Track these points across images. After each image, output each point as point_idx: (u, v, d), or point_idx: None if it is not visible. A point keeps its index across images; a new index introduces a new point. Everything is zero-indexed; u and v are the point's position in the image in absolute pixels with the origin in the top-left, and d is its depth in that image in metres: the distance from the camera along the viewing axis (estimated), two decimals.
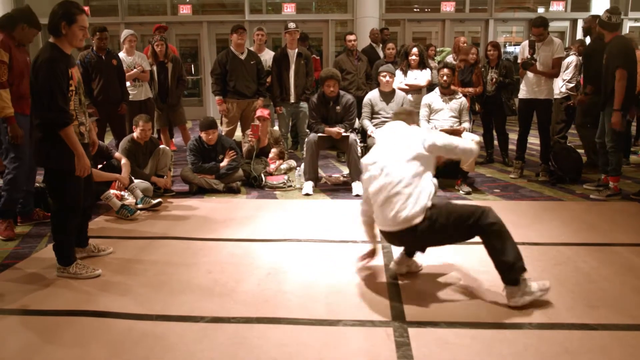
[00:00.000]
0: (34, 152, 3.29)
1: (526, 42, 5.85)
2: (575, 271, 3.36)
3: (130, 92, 6.30)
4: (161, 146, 5.53)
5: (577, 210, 4.76)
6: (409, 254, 3.34)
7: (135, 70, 6.37)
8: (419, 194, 2.87)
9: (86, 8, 11.64)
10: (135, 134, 5.23)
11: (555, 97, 6.05)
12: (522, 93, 5.87)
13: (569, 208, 4.83)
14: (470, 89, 6.46)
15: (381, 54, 7.73)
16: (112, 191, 4.67)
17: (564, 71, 6.42)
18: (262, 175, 5.67)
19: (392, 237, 3.04)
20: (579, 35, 11.92)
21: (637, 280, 3.21)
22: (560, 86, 6.46)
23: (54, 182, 3.27)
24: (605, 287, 3.13)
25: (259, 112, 6.05)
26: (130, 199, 4.93)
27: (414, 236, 2.90)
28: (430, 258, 3.58)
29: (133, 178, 4.95)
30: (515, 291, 2.82)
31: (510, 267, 2.82)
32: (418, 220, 2.84)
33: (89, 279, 3.29)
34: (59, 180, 3.22)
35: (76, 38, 3.15)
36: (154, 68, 6.72)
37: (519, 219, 4.46)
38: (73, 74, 3.19)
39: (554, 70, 5.70)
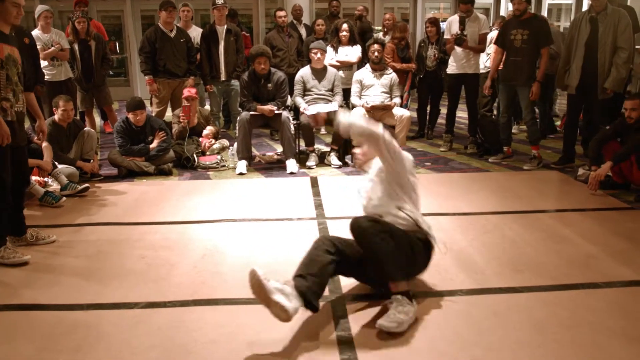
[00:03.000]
0: None
1: (453, 18, 6.00)
2: (502, 238, 3.53)
3: (48, 72, 5.94)
4: (86, 129, 5.28)
5: (503, 180, 4.98)
6: None
7: (52, 48, 6.00)
8: None
9: None
10: (56, 116, 4.96)
11: (481, 71, 6.25)
12: (451, 68, 6.03)
13: (495, 178, 5.05)
14: (413, 65, 6.58)
15: (303, 33, 7.59)
16: (34, 178, 4.43)
17: (487, 46, 6.64)
18: (195, 156, 5.55)
19: None
20: (503, 11, 12.35)
21: (557, 245, 3.41)
22: (485, 61, 6.68)
23: None
24: (529, 252, 3.31)
25: (186, 92, 5.88)
26: (54, 186, 4.70)
27: None
28: None
29: (56, 163, 4.70)
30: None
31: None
32: None
33: (15, 265, 3.15)
34: None
35: (10, 15, 3.11)
36: (76, 46, 6.37)
37: (450, 190, 4.62)
38: (1, 48, 3.07)
39: (481, 45, 5.94)
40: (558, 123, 7.53)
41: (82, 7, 6.92)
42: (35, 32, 5.96)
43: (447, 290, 2.82)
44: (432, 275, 2.96)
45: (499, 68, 5.58)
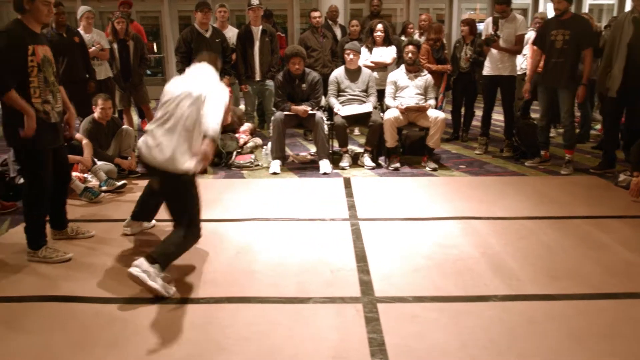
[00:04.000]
0: (4, 135, 3.21)
1: (490, 19, 5.90)
2: (537, 244, 3.46)
3: None
4: (124, 126, 5.40)
5: (539, 184, 4.88)
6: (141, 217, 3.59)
7: (93, 48, 6.15)
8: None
9: None
10: (95, 114, 5.08)
11: (518, 73, 6.13)
12: (486, 70, 5.93)
13: (532, 183, 4.95)
14: (448, 66, 6.51)
15: (339, 33, 7.59)
16: (74, 174, 4.55)
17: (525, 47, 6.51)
18: (234, 153, 5.64)
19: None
20: (541, 11, 12.11)
21: (595, 252, 3.32)
22: (520, 62, 6.55)
23: (23, 161, 3.24)
24: (565, 258, 3.23)
25: None
26: (93, 182, 4.82)
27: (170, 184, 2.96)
28: (396, 234, 3.63)
29: (96, 160, 4.82)
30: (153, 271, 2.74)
31: (167, 255, 2.87)
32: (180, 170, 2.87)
33: (59, 263, 3.22)
34: (28, 158, 3.19)
35: (41, 14, 3.08)
36: (115, 46, 6.52)
37: (484, 194, 4.55)
38: (37, 50, 3.10)
39: (517, 46, 5.76)
40: (598, 127, 7.34)
41: (126, 7, 7.08)
42: None
43: (481, 295, 2.78)
44: (465, 280, 2.93)
45: (538, 70, 5.46)
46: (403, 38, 7.43)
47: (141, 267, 2.70)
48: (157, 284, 2.72)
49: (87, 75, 5.83)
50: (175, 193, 2.97)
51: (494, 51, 5.77)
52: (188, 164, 2.85)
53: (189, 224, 2.95)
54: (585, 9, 11.97)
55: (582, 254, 3.29)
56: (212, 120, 2.77)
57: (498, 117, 6.93)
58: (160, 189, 3.09)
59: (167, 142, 2.89)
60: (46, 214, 3.34)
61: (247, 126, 6.17)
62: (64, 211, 3.61)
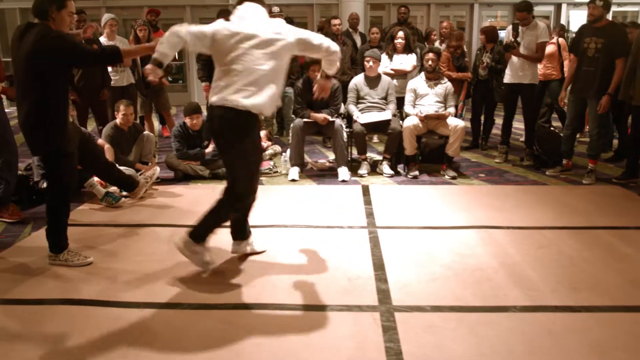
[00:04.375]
0: (29, 142, 3.26)
1: (511, 26, 5.85)
2: (558, 254, 3.41)
3: (112, 77, 6.20)
4: (145, 132, 5.47)
5: (560, 194, 4.81)
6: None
7: None
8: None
9: None
10: (117, 120, 5.16)
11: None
12: (507, 78, 5.88)
13: (552, 192, 4.88)
14: (469, 74, 6.47)
15: (359, 41, 7.60)
16: (96, 178, 4.62)
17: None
18: None
19: None
20: (563, 18, 11.99)
21: (618, 263, 3.26)
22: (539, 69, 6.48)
23: (52, 164, 3.29)
24: (587, 269, 3.18)
25: None
26: (114, 186, 4.88)
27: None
28: (414, 242, 3.61)
29: (117, 165, 4.89)
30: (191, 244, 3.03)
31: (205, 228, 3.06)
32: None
33: (80, 266, 3.27)
34: (55, 161, 3.24)
35: (64, 23, 3.15)
36: None
37: (504, 203, 4.50)
38: None
39: (537, 54, 5.67)
40: None
41: (154, 16, 7.19)
42: (102, 39, 6.24)
43: (500, 305, 2.74)
44: (484, 290, 2.90)
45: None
46: (426, 45, 7.41)
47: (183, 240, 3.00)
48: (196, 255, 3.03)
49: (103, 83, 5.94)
50: None
51: (514, 59, 5.71)
52: None
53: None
54: (609, 17, 11.81)
55: (603, 265, 3.23)
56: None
57: (518, 125, 6.86)
58: None
59: None
60: (68, 218, 3.39)
61: (262, 134, 6.18)
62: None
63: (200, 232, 3.05)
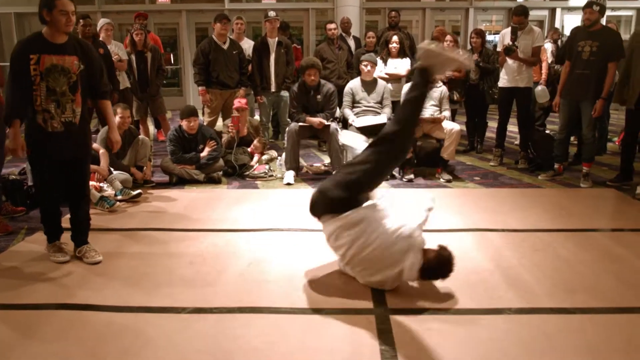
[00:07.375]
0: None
1: (506, 30, 5.87)
2: (554, 257, 3.41)
3: None
4: (140, 136, 5.45)
5: (555, 197, 4.83)
6: None
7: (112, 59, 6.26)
8: None
9: None
10: None
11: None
12: (503, 81, 5.89)
13: (547, 195, 4.89)
14: (457, 73, 6.49)
15: (352, 45, 7.61)
16: (91, 183, 4.60)
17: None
18: (250, 164, 5.69)
19: None
20: (557, 23, 12.05)
21: (613, 265, 3.27)
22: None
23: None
24: (582, 271, 3.18)
25: (236, 103, 6.00)
26: (109, 191, 4.87)
27: None
28: None
29: (112, 169, 4.88)
30: None
31: None
32: None
33: (54, 262, 3.36)
34: (30, 165, 3.49)
35: (60, 23, 3.10)
36: (133, 57, 6.63)
37: (499, 206, 4.51)
38: (43, 59, 3.12)
39: (534, 58, 5.72)
40: (615, 139, 7.26)
41: (142, 19, 7.19)
42: None
43: (496, 308, 2.74)
44: (479, 293, 2.90)
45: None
46: None
47: None
48: None
49: (111, 87, 5.93)
50: None
51: (510, 62, 5.73)
52: None
53: None
54: (603, 21, 11.88)
55: (599, 268, 3.24)
56: None
57: (513, 128, 6.88)
58: None
59: None
60: (52, 214, 3.46)
61: (255, 146, 6.12)
62: (77, 228, 3.52)
63: None
